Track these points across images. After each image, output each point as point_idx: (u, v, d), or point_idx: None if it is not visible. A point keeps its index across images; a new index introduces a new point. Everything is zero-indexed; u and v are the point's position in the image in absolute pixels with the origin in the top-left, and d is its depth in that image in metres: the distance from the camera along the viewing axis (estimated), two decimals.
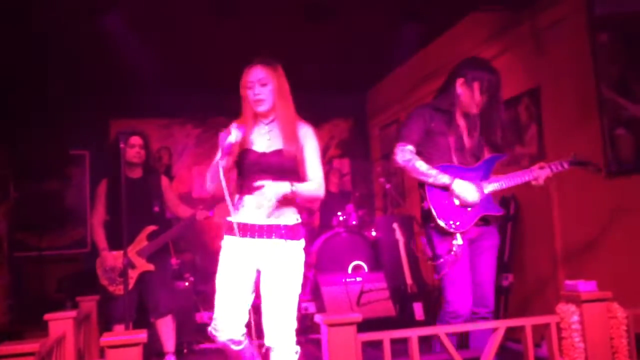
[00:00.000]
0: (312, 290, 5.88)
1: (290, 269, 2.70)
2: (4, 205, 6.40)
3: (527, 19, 4.60)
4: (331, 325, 2.39)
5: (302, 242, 2.78)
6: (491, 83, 3.09)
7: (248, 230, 2.71)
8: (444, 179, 3.01)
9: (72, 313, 3.12)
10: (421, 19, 4.79)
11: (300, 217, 2.84)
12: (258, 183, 2.62)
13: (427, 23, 4.98)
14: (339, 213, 6.18)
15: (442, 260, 3.03)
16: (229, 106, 7.44)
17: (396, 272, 5.55)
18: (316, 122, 8.39)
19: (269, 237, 2.70)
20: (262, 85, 2.76)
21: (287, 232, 2.72)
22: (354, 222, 6.10)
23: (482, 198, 3.06)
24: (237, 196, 2.81)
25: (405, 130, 3.14)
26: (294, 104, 2.84)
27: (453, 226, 3.01)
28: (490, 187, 3.10)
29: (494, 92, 3.11)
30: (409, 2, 4.57)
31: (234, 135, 2.68)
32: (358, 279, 5.57)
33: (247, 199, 2.74)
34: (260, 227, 2.70)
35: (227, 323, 2.67)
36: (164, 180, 4.47)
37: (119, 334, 2.36)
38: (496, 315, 4.67)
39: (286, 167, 2.72)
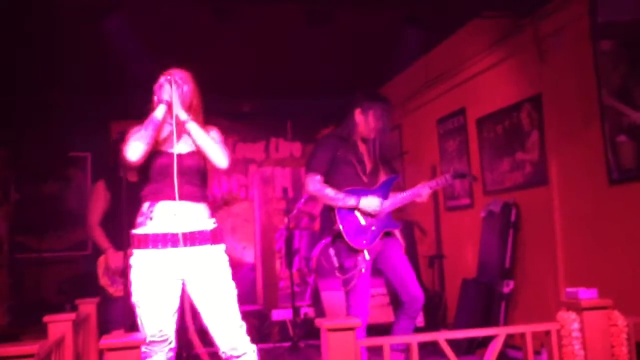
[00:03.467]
0: (312, 295, 5.87)
1: (222, 272, 2.63)
2: (4, 207, 6.40)
3: (529, 26, 4.60)
4: (331, 330, 2.38)
5: (223, 246, 2.69)
6: (384, 111, 3.55)
7: (169, 241, 2.53)
8: (350, 201, 3.40)
9: (71, 315, 3.11)
10: (423, 25, 4.79)
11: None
12: None
13: (429, 29, 4.99)
14: None
15: (350, 274, 3.38)
16: (229, 109, 7.49)
17: None
18: (316, 127, 8.46)
19: (193, 244, 2.57)
20: (177, 84, 2.71)
21: (211, 237, 2.62)
22: None
23: (383, 215, 3.48)
24: (146, 204, 2.62)
25: (313, 161, 3.53)
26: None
27: (361, 243, 3.39)
28: (388, 205, 3.51)
29: (386, 119, 3.57)
30: (411, 8, 4.57)
31: (161, 110, 2.62)
32: None
33: (162, 205, 2.58)
34: (184, 235, 2.55)
35: (160, 343, 2.55)
36: None
37: (118, 336, 2.36)
38: (496, 322, 4.67)
39: (202, 168, 2.67)
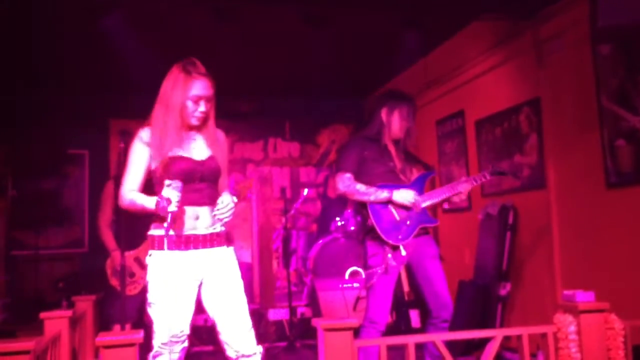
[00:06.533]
0: (308, 295, 5.87)
1: (236, 273, 2.65)
2: (1, 204, 6.39)
3: (529, 30, 4.61)
4: (328, 330, 2.38)
5: (233, 248, 2.71)
6: (409, 110, 3.49)
7: (191, 242, 2.53)
8: (383, 194, 3.30)
9: (68, 312, 3.12)
10: (423, 28, 4.79)
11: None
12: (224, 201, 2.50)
13: (429, 31, 4.99)
14: (338, 218, 6.18)
15: (373, 270, 3.30)
16: (228, 107, 7.47)
17: None
18: (317, 127, 8.44)
19: (212, 246, 2.59)
20: (207, 102, 2.61)
21: (226, 239, 2.66)
22: (352, 228, 6.10)
23: (418, 210, 3.33)
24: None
25: (342, 161, 3.47)
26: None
27: (397, 239, 3.27)
28: (425, 202, 3.37)
29: (412, 118, 3.50)
30: (411, 10, 4.57)
31: (173, 204, 2.39)
32: (355, 284, 5.56)
33: (184, 209, 2.53)
34: (204, 236, 2.56)
35: (179, 342, 2.52)
36: None
37: (115, 333, 2.35)
38: (492, 324, 4.67)
39: (219, 172, 2.66)
